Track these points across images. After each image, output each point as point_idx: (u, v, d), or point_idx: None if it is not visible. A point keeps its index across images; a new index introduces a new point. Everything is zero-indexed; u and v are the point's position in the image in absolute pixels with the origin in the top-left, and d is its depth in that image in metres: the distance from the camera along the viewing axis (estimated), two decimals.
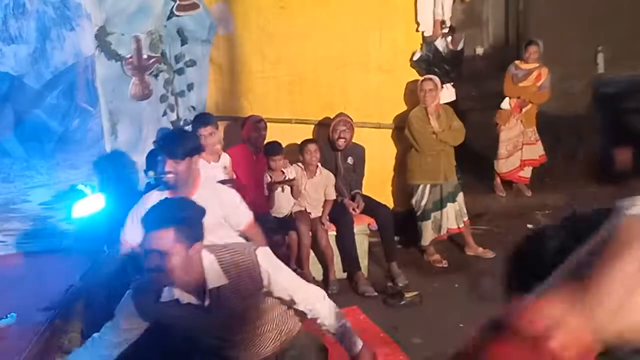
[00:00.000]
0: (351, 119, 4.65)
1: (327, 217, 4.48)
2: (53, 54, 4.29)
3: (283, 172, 4.46)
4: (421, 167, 4.69)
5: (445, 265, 4.68)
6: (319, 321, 2.19)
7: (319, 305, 2.18)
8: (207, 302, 2.01)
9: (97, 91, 4.48)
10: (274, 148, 4.45)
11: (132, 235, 2.75)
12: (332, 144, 4.64)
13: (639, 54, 7.11)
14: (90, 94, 4.34)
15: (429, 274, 4.58)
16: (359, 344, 2.17)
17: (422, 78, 4.70)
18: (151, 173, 2.64)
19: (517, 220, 5.13)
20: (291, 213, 4.47)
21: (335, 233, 4.48)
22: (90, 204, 3.64)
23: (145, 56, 4.73)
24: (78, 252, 3.36)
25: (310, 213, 4.48)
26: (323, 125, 4.89)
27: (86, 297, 2.82)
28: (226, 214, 2.81)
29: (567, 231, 0.84)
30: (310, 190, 4.51)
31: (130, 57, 4.69)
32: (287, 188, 4.43)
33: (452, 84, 5.02)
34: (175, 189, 2.74)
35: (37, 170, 3.99)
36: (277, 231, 4.17)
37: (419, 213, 4.74)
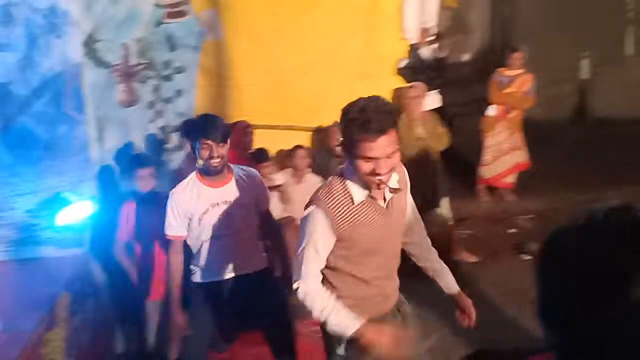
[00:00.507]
0: None
1: None
2: (40, 61, 4.28)
3: (270, 179, 4.50)
4: None
5: None
6: (421, 258, 2.39)
7: (426, 242, 2.38)
8: (389, 196, 2.07)
9: (84, 98, 4.48)
10: (262, 155, 4.49)
11: (178, 228, 2.76)
12: (329, 151, 4.67)
13: (622, 60, 7.23)
14: (78, 101, 4.34)
15: (414, 278, 4.61)
16: (456, 286, 2.39)
17: (407, 86, 4.75)
18: (200, 162, 2.64)
19: (499, 224, 5.19)
20: (279, 219, 4.50)
21: None
22: (75, 212, 3.66)
23: (133, 63, 4.75)
24: (64, 259, 3.37)
25: (297, 219, 4.51)
26: (322, 131, 4.94)
27: (72, 304, 2.85)
28: (258, 196, 2.88)
29: (587, 232, 0.76)
30: (298, 196, 4.54)
31: (118, 64, 4.72)
32: (275, 194, 4.46)
33: (437, 90, 5.08)
34: (218, 174, 2.72)
35: (23, 178, 3.99)
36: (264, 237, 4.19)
37: None
